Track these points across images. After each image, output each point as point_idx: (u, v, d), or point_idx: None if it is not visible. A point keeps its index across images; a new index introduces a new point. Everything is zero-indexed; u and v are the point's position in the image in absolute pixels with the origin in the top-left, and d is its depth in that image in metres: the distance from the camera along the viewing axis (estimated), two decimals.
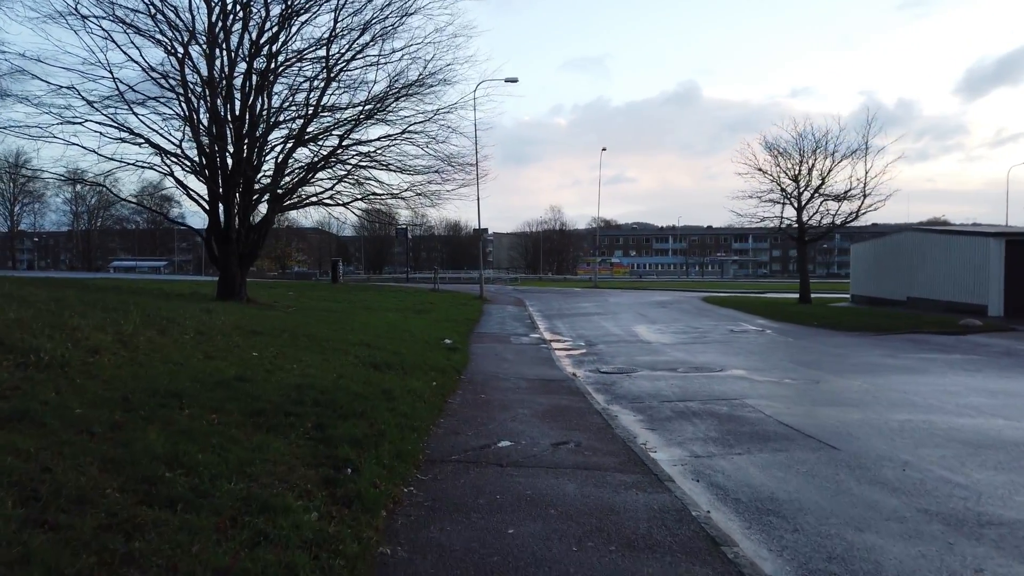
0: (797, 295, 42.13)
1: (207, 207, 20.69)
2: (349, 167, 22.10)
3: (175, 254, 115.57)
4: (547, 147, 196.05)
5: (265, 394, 6.53)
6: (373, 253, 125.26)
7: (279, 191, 21.39)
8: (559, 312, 28.68)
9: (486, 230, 33.40)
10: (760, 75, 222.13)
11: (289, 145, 20.87)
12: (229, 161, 20.34)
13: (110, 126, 18.64)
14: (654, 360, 14.88)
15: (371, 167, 21.92)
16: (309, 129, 21.02)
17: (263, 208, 22.69)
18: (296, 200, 22.62)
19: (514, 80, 31.78)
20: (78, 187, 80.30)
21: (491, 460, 6.15)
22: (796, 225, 31.49)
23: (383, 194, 22.05)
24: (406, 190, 21.84)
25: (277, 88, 21.07)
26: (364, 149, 21.12)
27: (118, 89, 18.07)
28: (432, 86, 20.35)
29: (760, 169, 31.15)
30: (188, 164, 19.58)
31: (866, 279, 32.60)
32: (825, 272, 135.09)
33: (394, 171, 22.24)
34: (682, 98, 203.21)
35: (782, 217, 31.79)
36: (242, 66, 20.19)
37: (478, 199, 32.25)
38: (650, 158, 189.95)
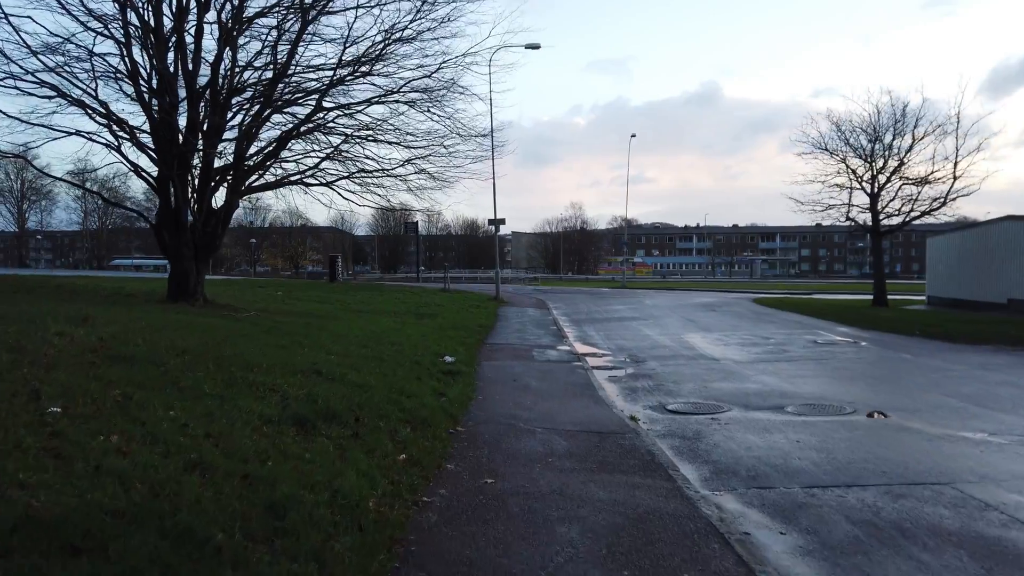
0: (857, 296, 37.30)
1: (156, 185, 16.56)
2: (340, 138, 17.85)
3: None
4: (566, 147, 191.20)
5: None
6: (388, 252, 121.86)
7: (245, 166, 17.13)
8: (589, 316, 24.23)
9: (503, 220, 28.82)
10: (782, 74, 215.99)
11: (255, 108, 16.63)
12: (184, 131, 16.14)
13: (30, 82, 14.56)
14: (738, 389, 10.42)
15: (360, 137, 17.64)
16: (282, 90, 16.80)
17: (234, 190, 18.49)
18: (271, 180, 18.39)
19: (536, 46, 27.36)
20: (87, 184, 77.31)
21: None
22: (869, 213, 26.66)
23: (375, 170, 17.72)
24: (402, 164, 17.50)
25: (241, 40, 16.83)
26: (349, 113, 16.82)
27: (27, 45, 13.94)
28: (432, 29, 15.98)
29: (826, 148, 26.42)
30: (127, 132, 15.38)
31: (949, 278, 27.70)
32: (858, 272, 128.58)
33: (391, 143, 17.94)
34: (703, 98, 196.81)
35: (850, 204, 26.97)
36: (195, 8, 15.99)
37: (493, 177, 27.38)
38: (670, 158, 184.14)
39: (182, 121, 16.41)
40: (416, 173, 18.14)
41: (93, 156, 51.75)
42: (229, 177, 17.29)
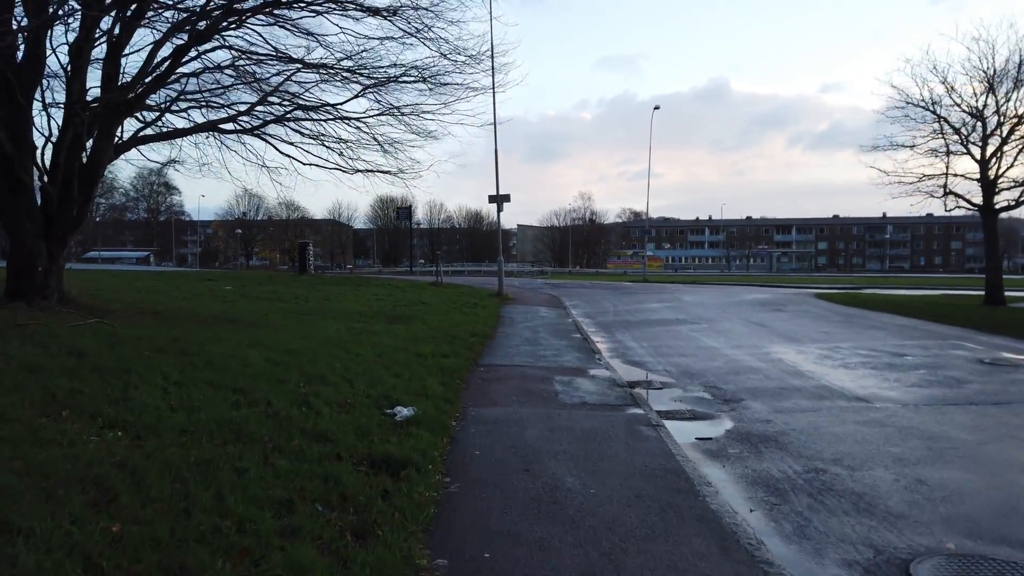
0: (929, 292, 31.58)
1: None
2: (269, 65, 12.23)
3: (176, 246, 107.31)
4: (573, 142, 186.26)
5: None
6: (388, 246, 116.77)
7: (126, 98, 11.45)
8: (618, 317, 18.52)
9: (507, 197, 22.92)
10: (790, 70, 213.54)
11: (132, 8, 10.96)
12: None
13: None
14: (1007, 492, 4.75)
15: (297, 64, 12.00)
16: None
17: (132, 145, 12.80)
18: (171, 127, 12.75)
19: None
20: None
21: None
22: (976, 185, 20.83)
23: (318, 106, 12.04)
24: (357, 96, 11.84)
25: None
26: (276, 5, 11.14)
27: None
28: None
29: (921, 104, 20.58)
30: None
31: None
32: (879, 266, 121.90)
33: (345, 71, 12.27)
34: (711, 93, 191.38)
35: (948, 173, 21.10)
36: None
37: (495, 121, 21.23)
38: (677, 153, 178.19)
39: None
40: (380, 114, 12.48)
41: None
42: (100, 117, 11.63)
